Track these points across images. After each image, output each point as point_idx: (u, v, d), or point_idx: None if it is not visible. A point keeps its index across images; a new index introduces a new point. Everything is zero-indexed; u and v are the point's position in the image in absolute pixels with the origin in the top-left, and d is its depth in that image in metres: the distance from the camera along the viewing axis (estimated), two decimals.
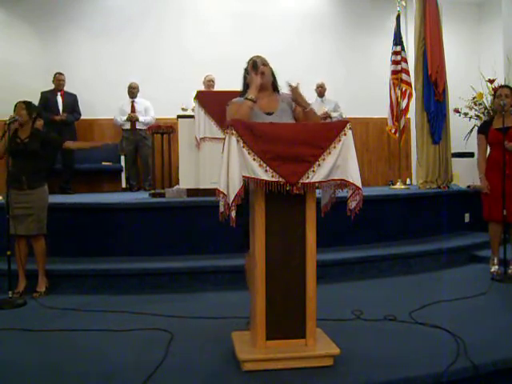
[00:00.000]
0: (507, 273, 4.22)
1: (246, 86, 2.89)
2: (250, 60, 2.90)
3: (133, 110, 7.06)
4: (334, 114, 7.04)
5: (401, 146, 6.98)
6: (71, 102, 6.77)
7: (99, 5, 7.61)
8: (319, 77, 7.25)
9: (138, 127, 7.00)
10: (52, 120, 6.40)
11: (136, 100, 7.13)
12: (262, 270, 2.45)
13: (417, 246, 4.86)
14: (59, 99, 6.69)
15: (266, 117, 2.78)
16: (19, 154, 3.85)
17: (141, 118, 7.02)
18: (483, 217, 4.39)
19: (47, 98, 6.59)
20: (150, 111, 7.16)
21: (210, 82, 6.82)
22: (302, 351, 2.44)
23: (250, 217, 2.57)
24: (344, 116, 7.10)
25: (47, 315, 3.39)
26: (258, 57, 2.90)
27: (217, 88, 6.66)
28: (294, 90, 2.74)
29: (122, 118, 7.03)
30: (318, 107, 6.98)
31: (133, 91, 7.10)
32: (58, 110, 6.62)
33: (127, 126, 7.06)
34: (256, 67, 2.79)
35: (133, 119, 6.99)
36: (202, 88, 6.69)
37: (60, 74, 6.76)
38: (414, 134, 6.62)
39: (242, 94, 2.88)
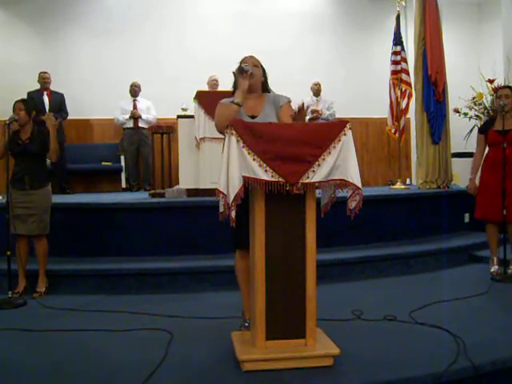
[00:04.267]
0: (507, 273, 4.22)
1: (235, 88, 2.87)
2: (241, 61, 2.86)
3: (135, 108, 7.05)
4: (326, 113, 7.08)
5: (401, 146, 6.99)
6: (58, 101, 6.65)
7: (99, 5, 7.62)
8: (319, 77, 7.25)
9: (140, 125, 6.99)
10: (39, 120, 6.26)
11: (138, 99, 7.14)
12: (262, 270, 2.44)
13: (417, 246, 4.86)
14: (45, 99, 6.58)
15: (250, 120, 2.76)
16: (20, 155, 3.83)
17: (143, 116, 7.02)
18: (474, 215, 4.40)
19: (33, 98, 6.39)
20: (151, 110, 7.16)
21: (213, 82, 6.81)
22: (301, 351, 2.44)
23: (250, 217, 2.57)
24: (335, 114, 7.09)
25: (47, 315, 3.39)
26: (251, 57, 2.87)
27: (220, 88, 6.66)
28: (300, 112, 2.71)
29: (124, 117, 7.02)
30: (313, 105, 7.02)
31: (135, 89, 7.11)
32: (45, 109, 6.46)
33: (129, 124, 7.05)
34: (243, 71, 2.75)
35: (135, 116, 6.97)
36: (206, 88, 6.68)
37: (44, 72, 6.63)
38: (413, 134, 6.62)
39: (233, 94, 2.86)
